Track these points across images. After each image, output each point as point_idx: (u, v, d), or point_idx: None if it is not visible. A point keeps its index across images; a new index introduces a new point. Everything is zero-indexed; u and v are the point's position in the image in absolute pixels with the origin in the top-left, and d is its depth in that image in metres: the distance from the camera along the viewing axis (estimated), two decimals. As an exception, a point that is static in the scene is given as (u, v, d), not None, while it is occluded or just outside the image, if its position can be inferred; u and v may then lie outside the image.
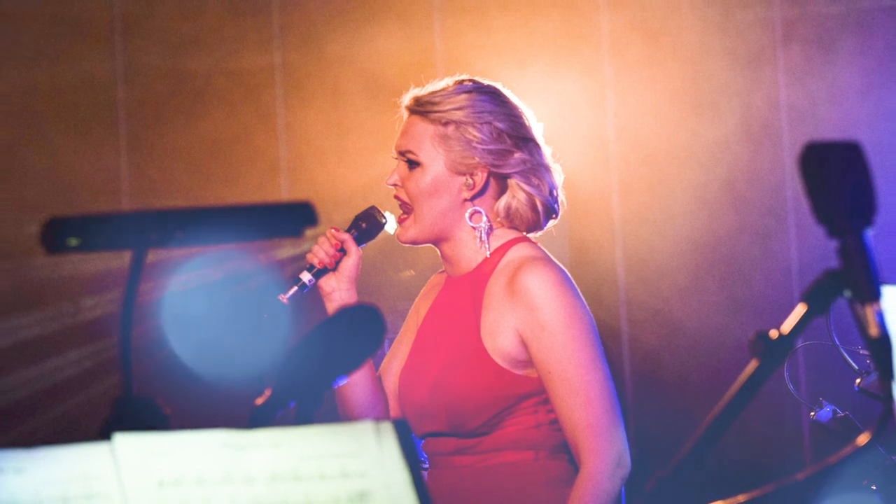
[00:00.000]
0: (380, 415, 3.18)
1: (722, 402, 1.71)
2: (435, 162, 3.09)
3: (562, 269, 3.04)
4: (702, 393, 5.32)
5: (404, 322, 3.28)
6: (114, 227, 1.79)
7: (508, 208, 3.10)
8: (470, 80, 3.13)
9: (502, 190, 3.10)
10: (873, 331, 1.65)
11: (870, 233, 1.67)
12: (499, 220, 3.11)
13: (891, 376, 1.66)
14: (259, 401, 1.82)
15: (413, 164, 3.11)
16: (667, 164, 5.47)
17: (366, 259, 3.23)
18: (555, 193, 3.14)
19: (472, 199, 3.09)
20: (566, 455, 3.02)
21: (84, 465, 1.69)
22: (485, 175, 3.08)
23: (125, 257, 5.41)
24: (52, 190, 5.68)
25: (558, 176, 3.15)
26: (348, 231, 3.20)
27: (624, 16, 5.51)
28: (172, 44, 5.78)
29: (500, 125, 3.07)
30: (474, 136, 3.06)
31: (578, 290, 3.04)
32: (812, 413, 3.89)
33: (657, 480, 1.71)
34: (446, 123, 3.08)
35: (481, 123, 3.07)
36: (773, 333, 1.71)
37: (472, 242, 3.11)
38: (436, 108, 3.09)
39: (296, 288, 3.15)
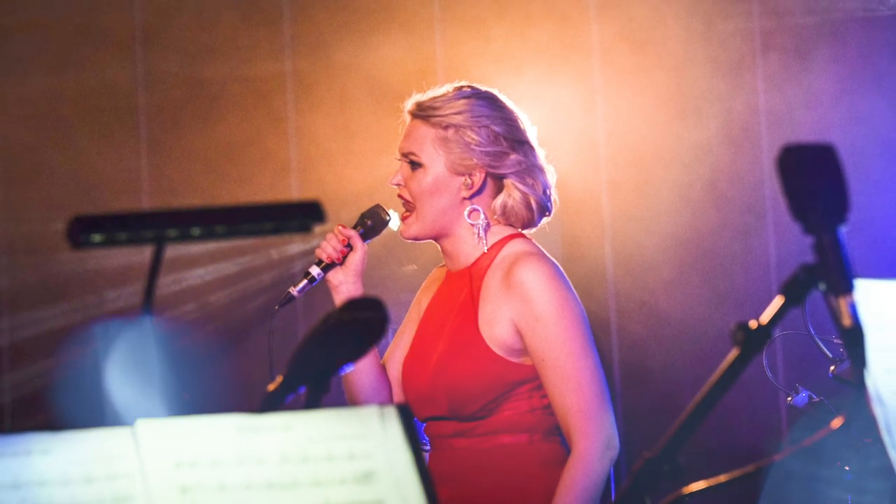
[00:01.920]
0: (384, 400, 3.18)
1: (704, 388, 1.71)
2: (436, 163, 3.08)
3: (554, 264, 3.04)
4: (686, 379, 5.32)
5: (407, 313, 3.28)
6: (135, 225, 1.79)
7: (505, 206, 3.10)
8: (468, 87, 3.13)
9: (499, 189, 3.10)
10: (846, 321, 1.66)
11: (843, 229, 1.67)
12: (496, 217, 3.11)
13: (863, 364, 1.66)
14: (271, 387, 1.82)
15: (415, 165, 3.11)
16: (653, 165, 5.47)
17: (371, 254, 3.23)
18: (548, 192, 3.13)
19: (471, 197, 3.09)
20: (559, 438, 3.02)
21: (107, 447, 1.69)
22: (482, 175, 3.08)
23: (146, 252, 5.40)
24: (76, 189, 5.67)
25: (551, 176, 3.15)
26: (354, 228, 3.20)
27: (613, 26, 5.50)
28: (190, 52, 5.76)
29: (496, 129, 3.07)
30: (473, 138, 3.06)
31: (570, 283, 3.04)
32: (789, 398, 3.89)
33: (644, 461, 1.72)
34: (446, 127, 3.07)
35: (479, 127, 3.06)
36: (753, 324, 1.71)
37: (470, 238, 3.11)
38: (436, 112, 3.08)
39: (305, 281, 3.16)
